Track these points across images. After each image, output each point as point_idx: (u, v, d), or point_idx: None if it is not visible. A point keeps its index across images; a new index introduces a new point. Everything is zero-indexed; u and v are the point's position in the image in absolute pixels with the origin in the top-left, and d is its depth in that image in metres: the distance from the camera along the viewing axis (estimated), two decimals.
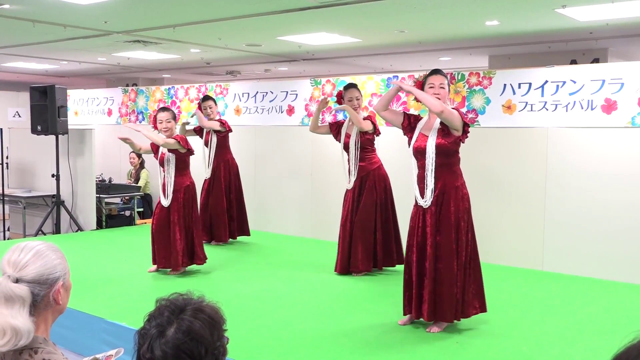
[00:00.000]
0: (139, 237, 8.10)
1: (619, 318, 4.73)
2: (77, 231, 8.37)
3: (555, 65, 6.41)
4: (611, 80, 5.93)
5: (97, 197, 8.58)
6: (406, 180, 5.58)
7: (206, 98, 7.50)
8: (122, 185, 9.53)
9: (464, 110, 6.73)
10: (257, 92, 8.73)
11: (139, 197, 9.27)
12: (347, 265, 5.87)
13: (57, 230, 8.35)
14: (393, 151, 6.87)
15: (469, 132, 4.34)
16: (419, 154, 4.32)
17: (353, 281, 5.73)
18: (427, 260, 4.24)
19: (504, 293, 5.43)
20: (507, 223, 6.57)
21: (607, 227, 5.97)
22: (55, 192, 8.37)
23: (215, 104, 7.50)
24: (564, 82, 6.21)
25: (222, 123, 7.32)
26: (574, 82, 6.14)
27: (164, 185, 5.89)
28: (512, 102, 6.51)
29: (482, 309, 4.41)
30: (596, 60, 8.85)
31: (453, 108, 4.30)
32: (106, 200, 8.93)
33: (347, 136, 5.92)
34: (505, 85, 6.55)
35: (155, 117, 5.98)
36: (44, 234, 8.45)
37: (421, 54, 10.37)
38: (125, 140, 5.93)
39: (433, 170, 4.24)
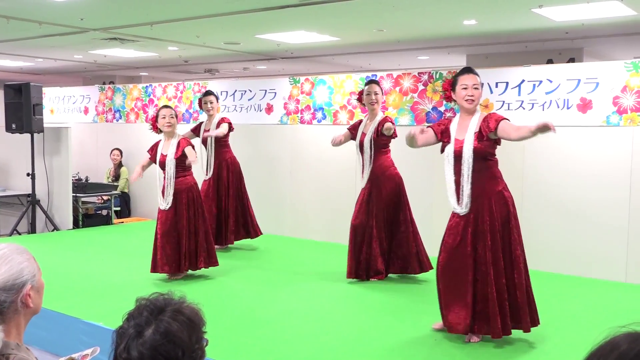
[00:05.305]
0: (116, 236, 8.04)
1: (596, 315, 4.79)
2: (53, 231, 8.26)
3: (531, 65, 6.48)
4: (586, 79, 6.01)
5: (73, 196, 8.48)
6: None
7: (207, 93, 7.07)
8: (98, 184, 9.44)
9: (442, 109, 6.77)
10: (236, 90, 8.69)
11: (116, 195, 9.19)
12: (357, 270, 5.61)
13: (32, 230, 8.24)
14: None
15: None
16: (456, 158, 4.14)
17: (332, 281, 5.73)
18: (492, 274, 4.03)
19: None
20: None
21: (583, 225, 6.04)
22: (30, 192, 8.26)
23: (217, 100, 7.15)
24: (541, 82, 6.27)
25: (229, 124, 6.96)
26: (550, 82, 6.21)
27: (163, 188, 5.68)
28: (490, 101, 6.56)
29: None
30: (572, 60, 8.97)
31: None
32: (83, 199, 8.83)
33: (363, 135, 5.69)
34: (482, 84, 6.58)
35: (156, 115, 5.74)
36: (19, 234, 8.33)
37: (399, 53, 10.41)
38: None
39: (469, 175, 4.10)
